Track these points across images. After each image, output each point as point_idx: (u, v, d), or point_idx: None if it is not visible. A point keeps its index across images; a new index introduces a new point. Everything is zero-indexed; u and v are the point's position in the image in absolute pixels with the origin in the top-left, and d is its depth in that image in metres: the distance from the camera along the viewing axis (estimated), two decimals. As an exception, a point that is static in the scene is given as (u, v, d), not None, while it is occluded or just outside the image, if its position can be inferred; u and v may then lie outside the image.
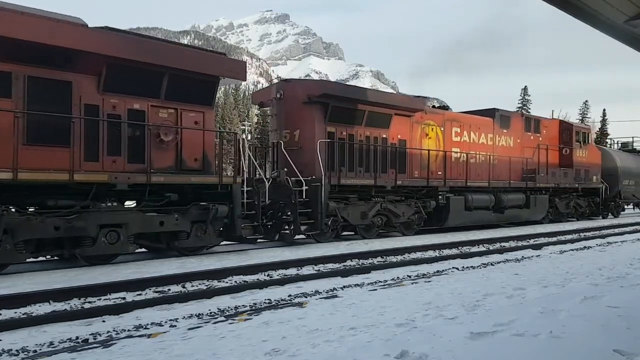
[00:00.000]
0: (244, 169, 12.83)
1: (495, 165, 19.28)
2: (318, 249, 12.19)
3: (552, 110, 34.90)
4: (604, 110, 71.88)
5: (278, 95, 14.57)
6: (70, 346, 4.97)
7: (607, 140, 57.31)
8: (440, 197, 16.86)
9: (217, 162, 11.85)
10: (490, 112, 19.91)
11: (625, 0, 6.38)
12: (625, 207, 32.40)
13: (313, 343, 4.68)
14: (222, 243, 12.35)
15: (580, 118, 70.38)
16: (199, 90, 11.29)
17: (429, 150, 16.78)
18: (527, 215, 20.51)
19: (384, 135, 15.70)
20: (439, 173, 17.16)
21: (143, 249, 11.42)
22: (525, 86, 73.62)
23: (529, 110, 70.94)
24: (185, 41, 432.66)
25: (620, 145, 36.16)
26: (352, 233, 15.46)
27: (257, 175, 14.37)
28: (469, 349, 4.27)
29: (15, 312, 6.23)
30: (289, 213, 13.22)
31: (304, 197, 13.33)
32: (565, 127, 23.35)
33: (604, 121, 70.31)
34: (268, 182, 13.25)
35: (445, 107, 18.83)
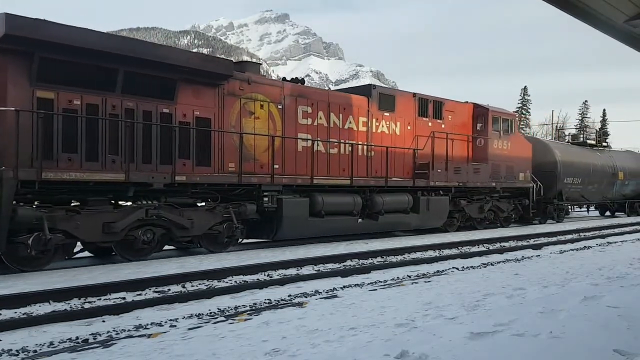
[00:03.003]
0: None
1: (371, 158, 15.05)
2: (317, 249, 12.18)
3: (552, 110, 34.79)
4: (604, 110, 71.95)
5: None
6: (70, 346, 4.98)
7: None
8: (266, 199, 12.29)
9: None
10: (364, 90, 15.56)
11: (625, 0, 6.39)
12: (577, 209, 28.75)
13: (313, 343, 4.68)
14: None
15: (580, 118, 70.38)
16: None
17: (249, 134, 12.24)
18: (417, 221, 15.98)
19: (166, 110, 10.88)
20: (276, 167, 12.75)
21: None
22: (525, 86, 73.65)
23: (528, 110, 70.89)
24: (185, 41, 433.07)
25: (570, 137, 31.58)
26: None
27: None
28: (469, 349, 4.27)
29: (15, 312, 6.22)
30: None
31: None
32: (479, 113, 18.57)
33: (604, 121, 70.32)
34: None
35: (299, 81, 14.39)
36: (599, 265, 9.65)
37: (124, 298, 7.06)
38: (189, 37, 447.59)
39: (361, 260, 10.55)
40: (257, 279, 8.47)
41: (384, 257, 11.10)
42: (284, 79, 14.15)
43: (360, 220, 14.47)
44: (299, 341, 4.76)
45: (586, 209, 30.87)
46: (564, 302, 5.91)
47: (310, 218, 13.15)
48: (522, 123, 68.66)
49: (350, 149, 14.40)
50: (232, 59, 15.25)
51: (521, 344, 4.35)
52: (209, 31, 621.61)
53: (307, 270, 9.38)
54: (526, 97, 71.29)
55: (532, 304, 6.02)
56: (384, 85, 15.84)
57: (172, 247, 12.00)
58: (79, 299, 6.84)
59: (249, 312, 6.26)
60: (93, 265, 9.72)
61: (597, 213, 30.73)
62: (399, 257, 11.15)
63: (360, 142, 14.85)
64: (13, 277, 8.44)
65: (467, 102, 18.78)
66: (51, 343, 5.06)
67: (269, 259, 10.25)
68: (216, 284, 8.10)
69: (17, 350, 4.82)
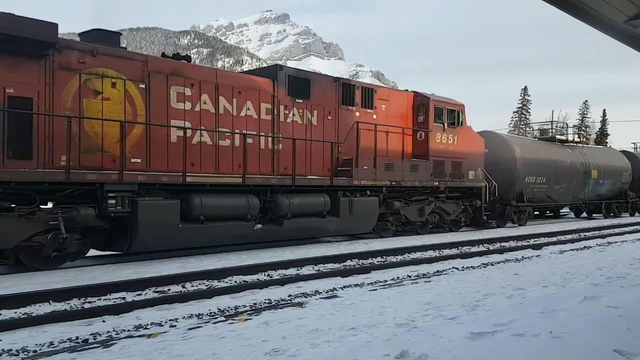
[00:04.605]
0: None
1: (279, 153, 12.77)
2: (318, 249, 12.17)
3: (552, 111, 34.50)
4: (604, 110, 71.83)
5: None
6: (70, 346, 4.98)
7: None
8: (112, 201, 9.64)
9: None
10: (269, 72, 13.24)
11: (625, 0, 6.38)
12: (544, 212, 25.95)
13: (313, 343, 4.68)
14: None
15: (580, 118, 70.35)
16: None
17: (89, 118, 9.81)
18: (337, 226, 13.72)
19: None
20: (137, 161, 10.38)
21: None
22: (525, 86, 73.60)
23: (528, 110, 70.78)
24: (185, 41, 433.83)
25: (538, 132, 27.82)
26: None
27: None
28: (469, 349, 4.27)
29: (15, 312, 6.23)
30: None
31: None
32: (420, 102, 16.28)
33: (604, 121, 70.29)
34: None
35: (182, 58, 11.77)
36: (599, 265, 9.65)
37: (124, 298, 7.06)
38: (189, 37, 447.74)
39: (361, 260, 10.56)
40: (257, 279, 8.47)
41: (384, 257, 11.10)
42: (163, 54, 11.75)
43: (258, 226, 12.15)
44: (299, 341, 4.76)
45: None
46: (564, 302, 5.91)
47: (183, 225, 10.63)
48: (522, 123, 68.66)
49: (246, 141, 11.92)
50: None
51: (521, 344, 4.35)
52: (209, 31, 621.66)
53: (307, 270, 9.39)
54: (526, 97, 71.25)
55: (532, 304, 6.02)
56: (295, 67, 14.34)
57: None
58: (79, 299, 6.85)
59: (249, 312, 6.26)
60: (93, 265, 9.73)
61: (572, 215, 28.32)
62: (399, 257, 11.16)
63: (262, 133, 12.50)
64: (13, 277, 8.44)
65: (406, 90, 16.89)
66: (51, 343, 5.06)
67: (269, 259, 10.25)
68: (216, 284, 8.11)
69: (17, 350, 4.83)
